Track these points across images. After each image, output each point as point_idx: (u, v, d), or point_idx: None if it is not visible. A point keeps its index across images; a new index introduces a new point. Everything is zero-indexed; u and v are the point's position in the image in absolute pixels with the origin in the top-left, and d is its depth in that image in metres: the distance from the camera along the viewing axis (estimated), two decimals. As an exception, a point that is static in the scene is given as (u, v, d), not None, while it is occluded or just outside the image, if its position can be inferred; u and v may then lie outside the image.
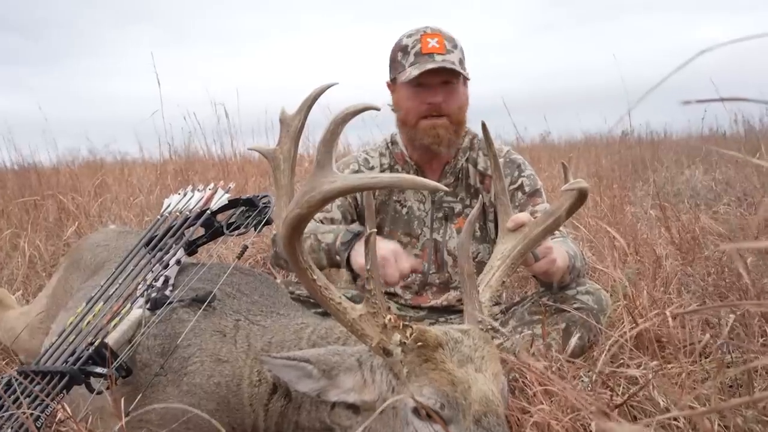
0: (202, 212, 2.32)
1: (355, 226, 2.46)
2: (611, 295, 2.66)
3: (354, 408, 1.65)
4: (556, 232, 2.51)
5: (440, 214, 2.84)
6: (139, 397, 1.85)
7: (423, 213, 2.85)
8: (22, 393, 1.82)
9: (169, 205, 2.49)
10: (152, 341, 1.96)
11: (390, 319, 1.58)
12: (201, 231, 2.33)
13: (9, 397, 1.83)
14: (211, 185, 2.45)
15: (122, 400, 1.74)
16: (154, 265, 2.18)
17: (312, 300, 2.50)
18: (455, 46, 2.67)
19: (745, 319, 2.35)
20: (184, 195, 2.49)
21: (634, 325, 2.21)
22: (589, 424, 1.64)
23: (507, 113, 5.61)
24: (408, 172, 2.85)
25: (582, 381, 2.09)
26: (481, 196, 2.69)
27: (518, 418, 1.74)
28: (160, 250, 2.25)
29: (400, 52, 2.70)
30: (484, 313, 1.73)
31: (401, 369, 1.54)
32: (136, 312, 1.99)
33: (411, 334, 1.55)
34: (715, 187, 6.21)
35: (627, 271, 2.88)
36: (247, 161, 7.24)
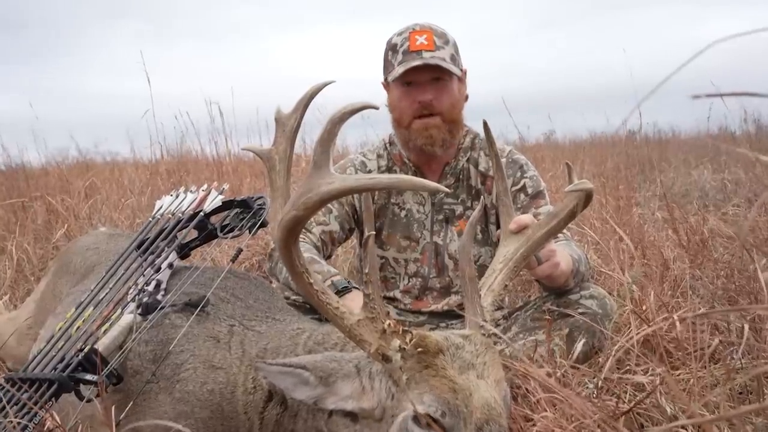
0: (195, 214, 2.32)
1: (341, 278, 2.42)
2: (617, 300, 2.66)
3: (352, 416, 1.64)
4: (560, 234, 2.51)
5: (440, 217, 2.84)
6: (130, 405, 1.85)
7: (423, 215, 2.85)
8: (9, 401, 1.82)
9: (161, 207, 2.49)
10: (144, 347, 1.96)
11: (389, 324, 1.58)
12: (194, 233, 2.33)
13: (-4, 405, 1.83)
14: (205, 186, 2.45)
15: (113, 408, 1.74)
16: (145, 269, 2.18)
17: (308, 305, 2.51)
18: (446, 42, 2.67)
19: (756, 324, 2.35)
20: (177, 196, 2.49)
21: (640, 329, 2.21)
22: (595, 432, 1.64)
23: (509, 112, 5.60)
24: (407, 174, 2.85)
25: (587, 388, 2.10)
26: (482, 197, 2.69)
27: (521, 426, 1.74)
28: (152, 253, 2.25)
29: (390, 51, 2.71)
30: (486, 317, 1.73)
31: (401, 376, 1.54)
32: (127, 317, 1.99)
33: (411, 340, 1.55)
34: (724, 187, 6.22)
35: (633, 274, 2.88)
36: (242, 161, 7.24)
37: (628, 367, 2.23)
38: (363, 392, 1.60)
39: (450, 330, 1.92)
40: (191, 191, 2.47)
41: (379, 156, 2.93)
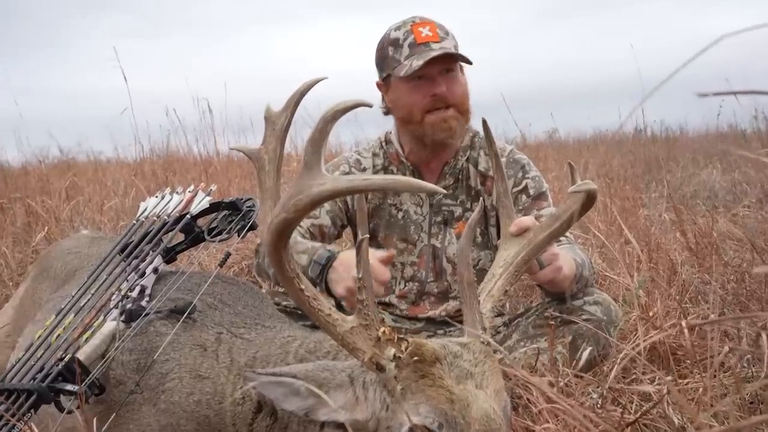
0: (182, 216, 2.32)
1: (324, 253, 2.37)
2: (622, 305, 2.66)
3: (345, 428, 1.64)
4: (563, 237, 2.51)
5: (439, 219, 2.84)
6: (112, 416, 1.84)
7: (420, 217, 2.85)
8: (-15, 413, 1.81)
9: (145, 209, 2.48)
10: (127, 356, 1.95)
11: (384, 331, 1.58)
12: (180, 237, 2.33)
13: (-28, 417, 1.82)
14: (191, 187, 2.45)
15: (94, 420, 1.74)
16: (129, 274, 2.18)
17: (300, 311, 2.50)
18: (447, 33, 2.69)
19: None
20: (162, 198, 2.48)
21: (647, 336, 2.21)
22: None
23: (510, 109, 5.62)
24: (404, 174, 2.85)
25: (591, 398, 2.10)
26: (482, 198, 2.69)
27: (522, 438, 1.75)
28: (136, 257, 2.24)
29: (390, 47, 2.70)
30: (485, 324, 1.73)
31: (395, 385, 1.54)
32: (110, 325, 1.98)
33: (406, 348, 1.55)
34: (735, 187, 6.23)
35: (639, 279, 2.89)
36: (231, 161, 7.24)
37: (634, 376, 2.23)
38: (356, 403, 1.60)
39: (448, 337, 1.92)
40: (177, 192, 2.46)
41: (374, 154, 2.92)
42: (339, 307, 2.68)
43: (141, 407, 1.89)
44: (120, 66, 5.49)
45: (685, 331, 2.26)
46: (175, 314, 2.01)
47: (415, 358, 1.54)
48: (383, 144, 2.93)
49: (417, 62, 2.58)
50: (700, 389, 1.92)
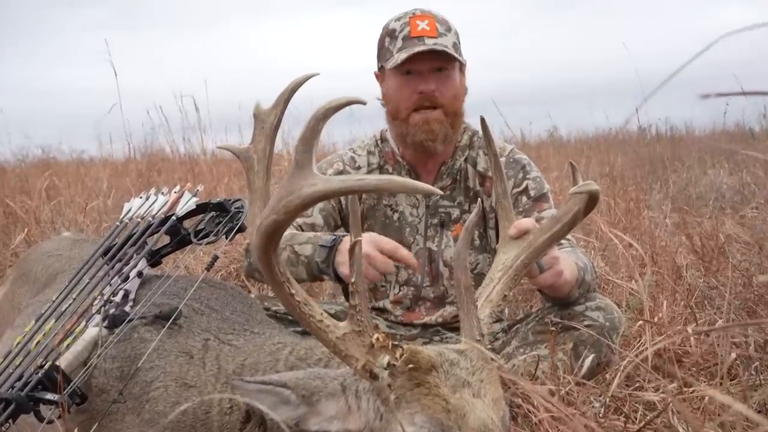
0: (167, 218, 2.31)
1: (328, 237, 2.45)
2: (626, 311, 2.67)
3: (337, 438, 1.64)
4: (564, 240, 2.52)
5: (435, 221, 2.85)
6: (94, 426, 1.84)
7: (416, 219, 2.85)
8: (-39, 423, 1.81)
9: (129, 210, 2.48)
10: (110, 364, 1.95)
11: (377, 338, 1.58)
12: (166, 239, 2.33)
13: (-53, 427, 1.82)
14: (177, 187, 2.45)
15: (76, 430, 1.73)
16: (112, 278, 2.17)
17: (290, 317, 2.50)
18: (449, 29, 2.68)
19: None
20: (147, 198, 2.48)
21: (652, 343, 2.22)
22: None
23: (510, 107, 5.63)
24: (400, 173, 2.85)
25: (593, 406, 2.10)
26: (480, 200, 2.69)
27: (521, 449, 1.75)
28: (120, 260, 2.24)
29: (387, 37, 2.71)
30: (483, 331, 1.73)
31: (389, 394, 1.54)
32: (92, 331, 1.98)
33: (401, 355, 1.55)
34: (742, 188, 6.25)
35: (644, 283, 2.89)
36: (219, 160, 7.24)
37: (637, 384, 2.24)
38: (349, 412, 1.60)
39: (444, 344, 1.92)
40: (163, 193, 2.46)
41: (369, 153, 2.92)
42: (346, 293, 2.71)
43: (124, 417, 1.88)
44: (111, 61, 5.48)
45: (691, 337, 2.27)
46: (160, 320, 2.00)
47: (410, 365, 1.54)
48: (378, 142, 2.93)
49: (402, 55, 2.59)
50: (706, 398, 1.92)
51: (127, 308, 2.05)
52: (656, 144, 8.54)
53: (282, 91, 1.68)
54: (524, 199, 2.76)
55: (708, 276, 3.31)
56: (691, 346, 2.34)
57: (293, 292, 1.62)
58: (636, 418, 1.99)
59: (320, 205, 2.77)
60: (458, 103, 2.74)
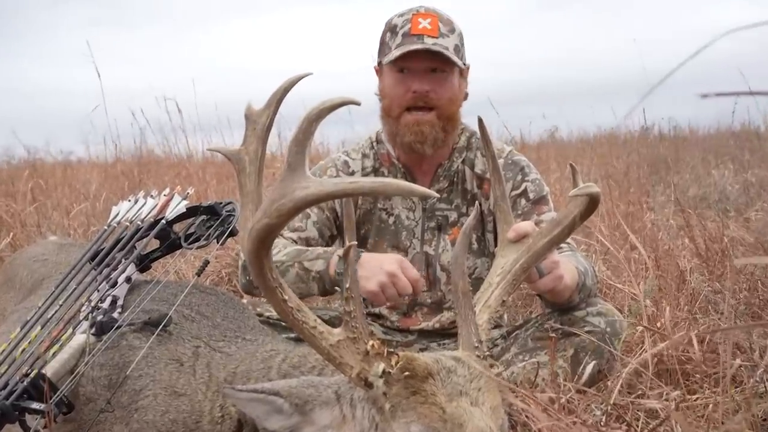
0: (157, 222, 2.31)
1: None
2: (628, 316, 2.67)
3: (331, 448, 1.64)
4: (564, 243, 2.52)
5: (432, 224, 2.85)
6: (82, 436, 1.84)
7: (412, 222, 2.85)
8: (-56, 433, 1.81)
9: (118, 214, 2.48)
10: (98, 372, 1.95)
11: (373, 345, 1.58)
12: (155, 243, 2.32)
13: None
14: (167, 190, 2.44)
15: (62, 440, 1.73)
16: (100, 284, 2.17)
17: (284, 323, 2.50)
18: (452, 31, 2.68)
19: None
20: (136, 202, 2.48)
21: (654, 348, 2.22)
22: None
23: (510, 107, 5.63)
24: (395, 176, 2.85)
25: (594, 415, 2.11)
26: (478, 202, 2.69)
27: (521, 458, 1.75)
28: (108, 265, 2.23)
29: (389, 32, 2.71)
30: (481, 337, 1.73)
31: (384, 403, 1.54)
32: (79, 338, 1.98)
33: (396, 363, 1.55)
34: (747, 190, 6.26)
35: (646, 288, 2.90)
36: (209, 162, 7.23)
37: (639, 391, 2.24)
38: (343, 421, 1.60)
39: (441, 351, 1.92)
40: (152, 196, 2.46)
41: (364, 155, 2.92)
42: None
43: (113, 427, 1.88)
44: (94, 62, 5.49)
45: (695, 343, 2.27)
46: (149, 327, 2.00)
47: (406, 373, 1.54)
48: (373, 144, 2.93)
49: (397, 52, 2.59)
50: (710, 405, 1.93)
51: (115, 315, 2.05)
52: (659, 144, 8.55)
53: (274, 91, 1.68)
54: (523, 201, 2.76)
55: (712, 280, 3.32)
56: (694, 353, 2.34)
57: (286, 297, 1.62)
58: (638, 427, 1.99)
59: (314, 217, 2.78)
60: (454, 108, 2.74)
